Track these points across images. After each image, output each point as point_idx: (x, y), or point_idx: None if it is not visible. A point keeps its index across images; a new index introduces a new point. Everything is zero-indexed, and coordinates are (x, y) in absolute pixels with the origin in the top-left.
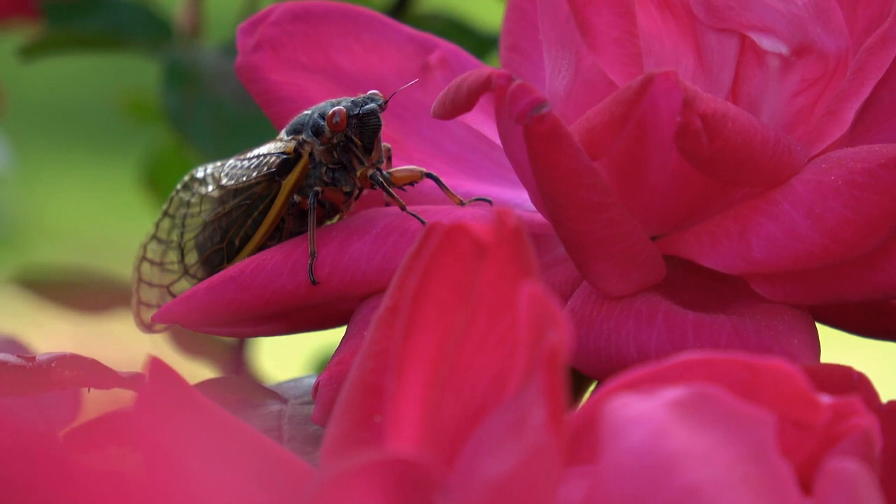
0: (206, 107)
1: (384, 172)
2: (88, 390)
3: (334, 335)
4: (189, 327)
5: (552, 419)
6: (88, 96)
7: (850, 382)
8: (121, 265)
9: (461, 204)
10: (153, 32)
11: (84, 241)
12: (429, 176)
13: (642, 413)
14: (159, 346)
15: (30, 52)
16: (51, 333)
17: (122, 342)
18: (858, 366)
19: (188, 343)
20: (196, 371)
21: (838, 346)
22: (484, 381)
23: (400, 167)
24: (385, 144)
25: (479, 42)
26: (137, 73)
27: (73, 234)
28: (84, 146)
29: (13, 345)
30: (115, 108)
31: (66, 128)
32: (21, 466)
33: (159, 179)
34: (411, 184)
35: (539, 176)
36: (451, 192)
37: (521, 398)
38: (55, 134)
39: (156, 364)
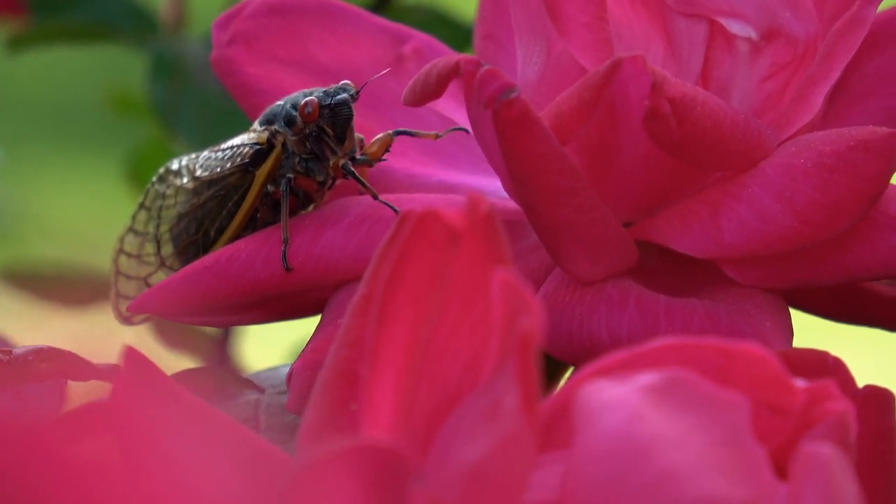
0: (193, 98)
1: (360, 156)
2: (66, 383)
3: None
4: (164, 317)
5: (525, 405)
6: (79, 93)
7: (825, 367)
8: (110, 260)
9: (437, 137)
10: (138, 25)
11: (75, 237)
12: (398, 132)
13: (616, 398)
14: (143, 339)
15: (17, 44)
16: (39, 328)
17: (109, 337)
18: (835, 352)
19: (172, 337)
20: (179, 364)
21: (817, 336)
22: (458, 368)
23: (371, 141)
24: (358, 135)
25: (462, 34)
26: (124, 69)
27: (64, 229)
28: (75, 143)
29: None
30: (102, 103)
31: (56, 124)
32: (8, 456)
33: (143, 174)
34: (387, 150)
35: (509, 161)
36: (424, 134)
37: (495, 384)
38: (46, 130)
39: (131, 354)
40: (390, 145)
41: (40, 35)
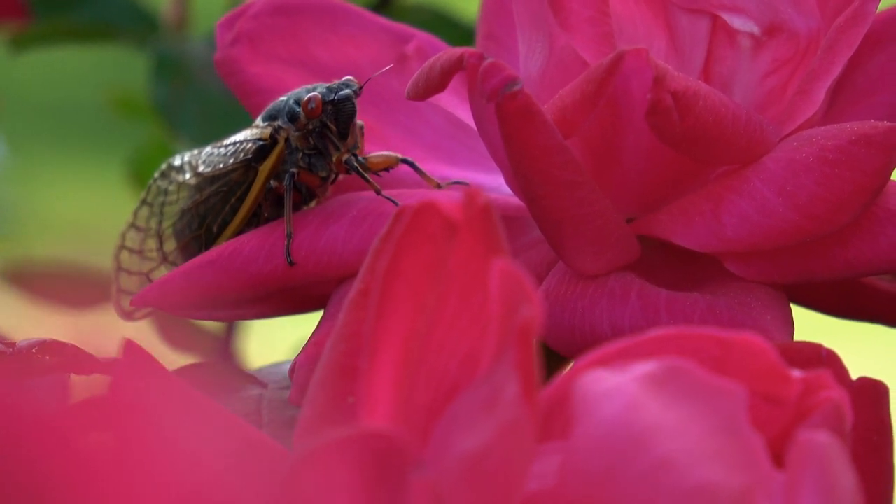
0: (195, 98)
1: (360, 158)
2: (69, 376)
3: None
4: (166, 311)
5: (525, 394)
6: (81, 93)
7: (819, 359)
8: (111, 258)
9: (438, 187)
10: (139, 25)
11: (76, 237)
12: (404, 161)
13: (614, 387)
14: (144, 337)
15: (19, 44)
16: (41, 327)
17: (110, 335)
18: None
19: (173, 335)
20: (180, 362)
21: (818, 335)
22: (456, 361)
23: (376, 153)
24: (358, 121)
25: (463, 34)
26: (125, 69)
27: (67, 229)
28: (77, 142)
29: None
30: (104, 104)
31: (58, 124)
32: (20, 443)
33: (145, 175)
34: (387, 169)
35: (512, 154)
36: (428, 176)
37: (494, 373)
38: (47, 130)
39: (130, 346)
40: (392, 167)
41: (42, 35)
